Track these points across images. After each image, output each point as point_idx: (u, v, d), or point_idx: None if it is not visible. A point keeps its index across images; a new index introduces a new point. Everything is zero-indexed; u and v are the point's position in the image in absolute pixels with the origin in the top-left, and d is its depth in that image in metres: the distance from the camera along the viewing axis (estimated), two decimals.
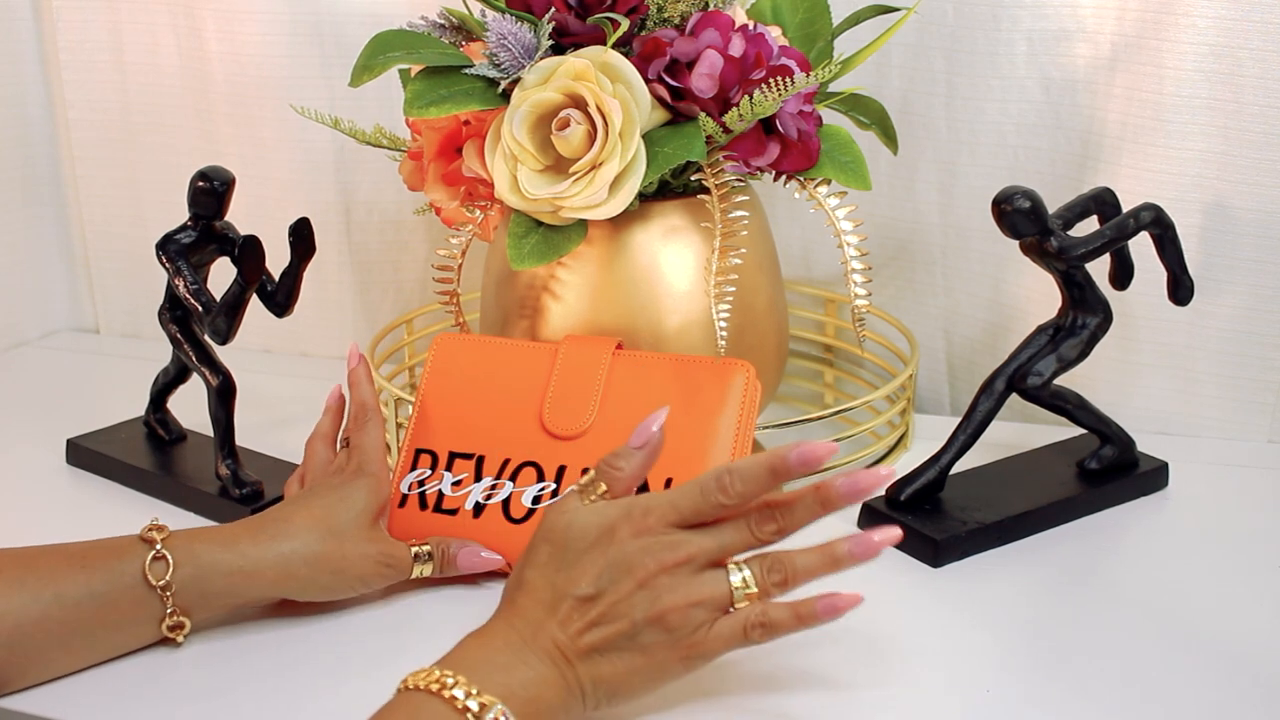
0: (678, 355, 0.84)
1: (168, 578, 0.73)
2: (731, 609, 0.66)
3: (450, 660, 0.64)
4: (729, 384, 0.81)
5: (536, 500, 0.82)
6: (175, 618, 0.74)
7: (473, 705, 0.60)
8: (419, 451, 0.85)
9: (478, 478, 0.83)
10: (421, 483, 0.84)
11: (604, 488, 0.68)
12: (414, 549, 0.80)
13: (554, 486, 0.82)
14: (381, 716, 0.61)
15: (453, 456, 0.85)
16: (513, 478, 0.83)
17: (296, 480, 0.85)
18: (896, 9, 0.94)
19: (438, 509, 0.83)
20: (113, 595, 0.72)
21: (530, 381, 0.85)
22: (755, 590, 0.66)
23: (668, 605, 0.65)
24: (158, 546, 0.73)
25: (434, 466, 0.85)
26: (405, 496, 0.84)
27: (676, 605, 0.65)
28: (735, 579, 0.66)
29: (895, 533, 0.66)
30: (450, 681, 0.61)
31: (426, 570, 0.80)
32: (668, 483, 0.80)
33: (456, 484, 0.84)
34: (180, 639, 0.75)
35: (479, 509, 0.82)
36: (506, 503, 0.82)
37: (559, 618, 0.65)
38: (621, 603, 0.65)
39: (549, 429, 0.83)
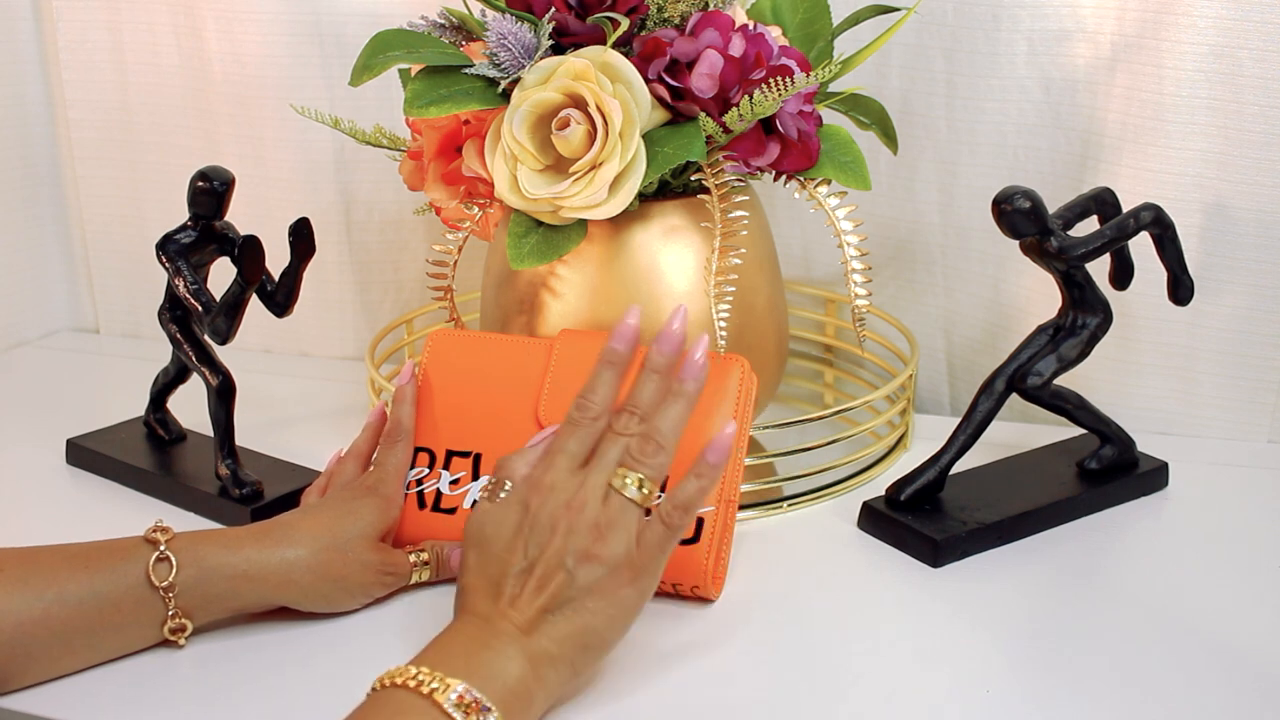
0: None
1: (171, 579, 0.73)
2: (648, 515, 0.69)
3: (416, 659, 0.65)
4: (725, 378, 0.81)
5: None
6: (177, 620, 0.74)
7: (436, 685, 0.61)
8: (417, 450, 0.85)
9: (475, 476, 0.83)
10: (420, 481, 0.84)
11: (508, 485, 0.71)
12: (412, 555, 0.80)
13: None
14: (359, 716, 0.62)
15: (450, 455, 0.85)
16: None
17: (316, 491, 0.85)
18: (896, 9, 0.94)
19: (436, 508, 0.83)
20: (115, 595, 0.72)
21: (526, 377, 0.85)
22: (649, 480, 0.69)
23: (588, 539, 0.67)
24: (161, 548, 0.73)
25: (431, 465, 0.85)
26: (404, 495, 0.84)
27: (597, 536, 0.67)
28: (630, 489, 0.69)
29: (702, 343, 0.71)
30: (417, 673, 0.62)
31: (425, 575, 0.81)
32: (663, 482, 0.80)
33: (454, 483, 0.84)
34: (182, 641, 0.75)
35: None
36: None
37: (505, 600, 0.67)
38: (551, 556, 0.67)
39: (545, 427, 0.83)
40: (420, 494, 0.84)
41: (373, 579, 0.78)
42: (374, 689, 0.63)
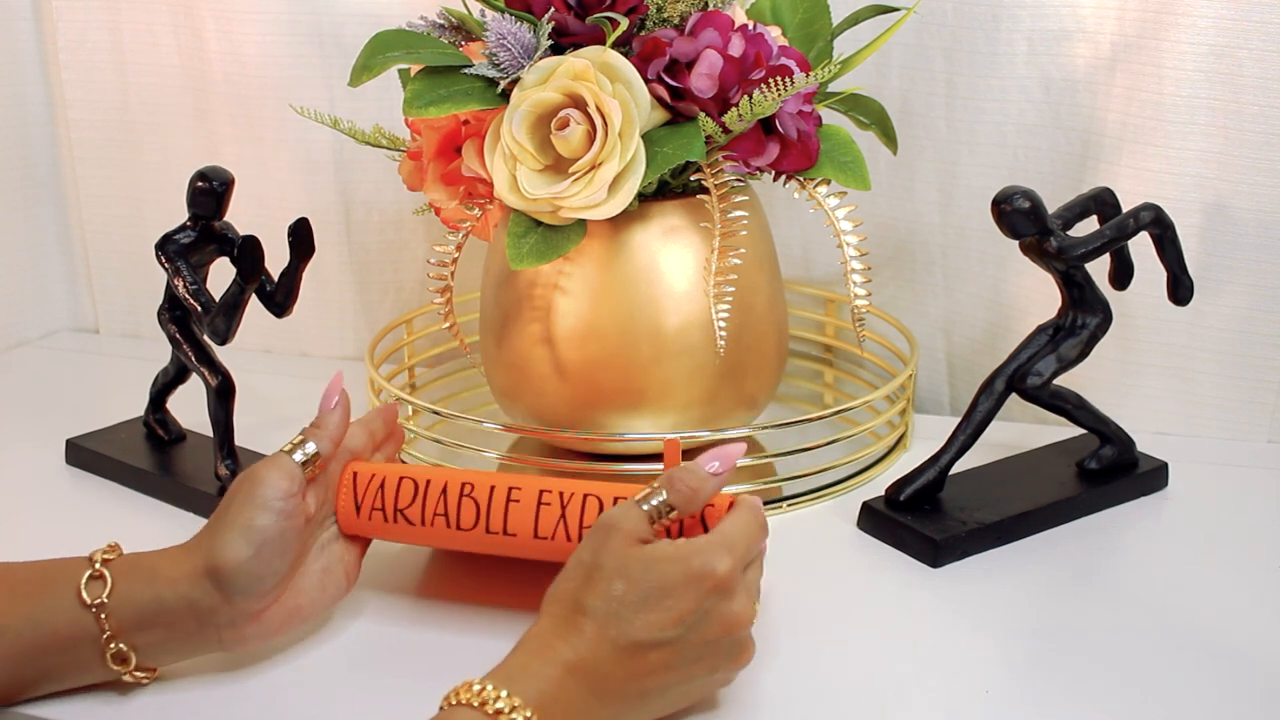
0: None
1: (103, 597, 0.67)
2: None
3: (507, 676, 0.61)
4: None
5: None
6: (115, 645, 0.68)
7: (503, 706, 0.59)
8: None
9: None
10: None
11: (673, 509, 0.68)
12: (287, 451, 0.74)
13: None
14: None
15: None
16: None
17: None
18: (896, 9, 0.94)
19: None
20: (52, 622, 0.67)
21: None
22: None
23: (746, 652, 0.68)
24: (96, 565, 0.69)
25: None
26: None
27: (749, 648, 0.68)
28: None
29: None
30: (504, 706, 0.59)
31: (309, 450, 0.74)
32: None
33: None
34: (130, 674, 0.69)
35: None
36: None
37: (635, 662, 0.64)
38: (702, 646, 0.66)
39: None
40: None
41: (273, 479, 0.71)
42: (446, 705, 0.60)
